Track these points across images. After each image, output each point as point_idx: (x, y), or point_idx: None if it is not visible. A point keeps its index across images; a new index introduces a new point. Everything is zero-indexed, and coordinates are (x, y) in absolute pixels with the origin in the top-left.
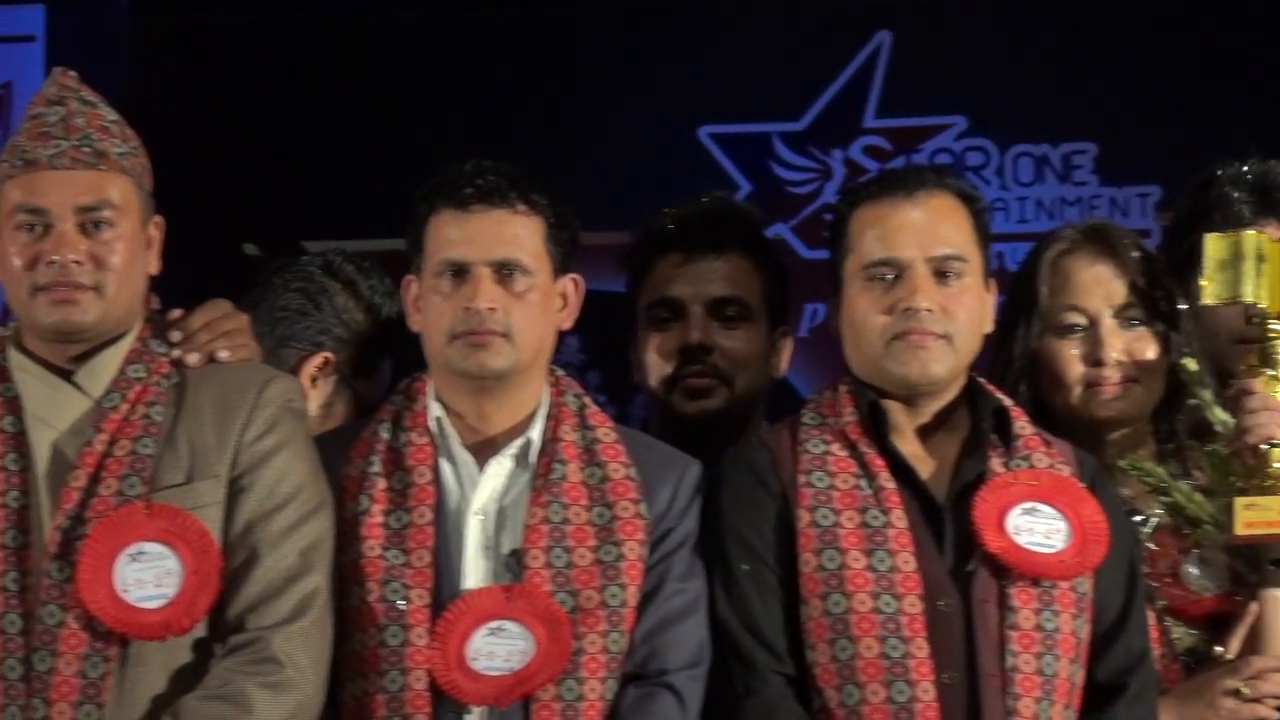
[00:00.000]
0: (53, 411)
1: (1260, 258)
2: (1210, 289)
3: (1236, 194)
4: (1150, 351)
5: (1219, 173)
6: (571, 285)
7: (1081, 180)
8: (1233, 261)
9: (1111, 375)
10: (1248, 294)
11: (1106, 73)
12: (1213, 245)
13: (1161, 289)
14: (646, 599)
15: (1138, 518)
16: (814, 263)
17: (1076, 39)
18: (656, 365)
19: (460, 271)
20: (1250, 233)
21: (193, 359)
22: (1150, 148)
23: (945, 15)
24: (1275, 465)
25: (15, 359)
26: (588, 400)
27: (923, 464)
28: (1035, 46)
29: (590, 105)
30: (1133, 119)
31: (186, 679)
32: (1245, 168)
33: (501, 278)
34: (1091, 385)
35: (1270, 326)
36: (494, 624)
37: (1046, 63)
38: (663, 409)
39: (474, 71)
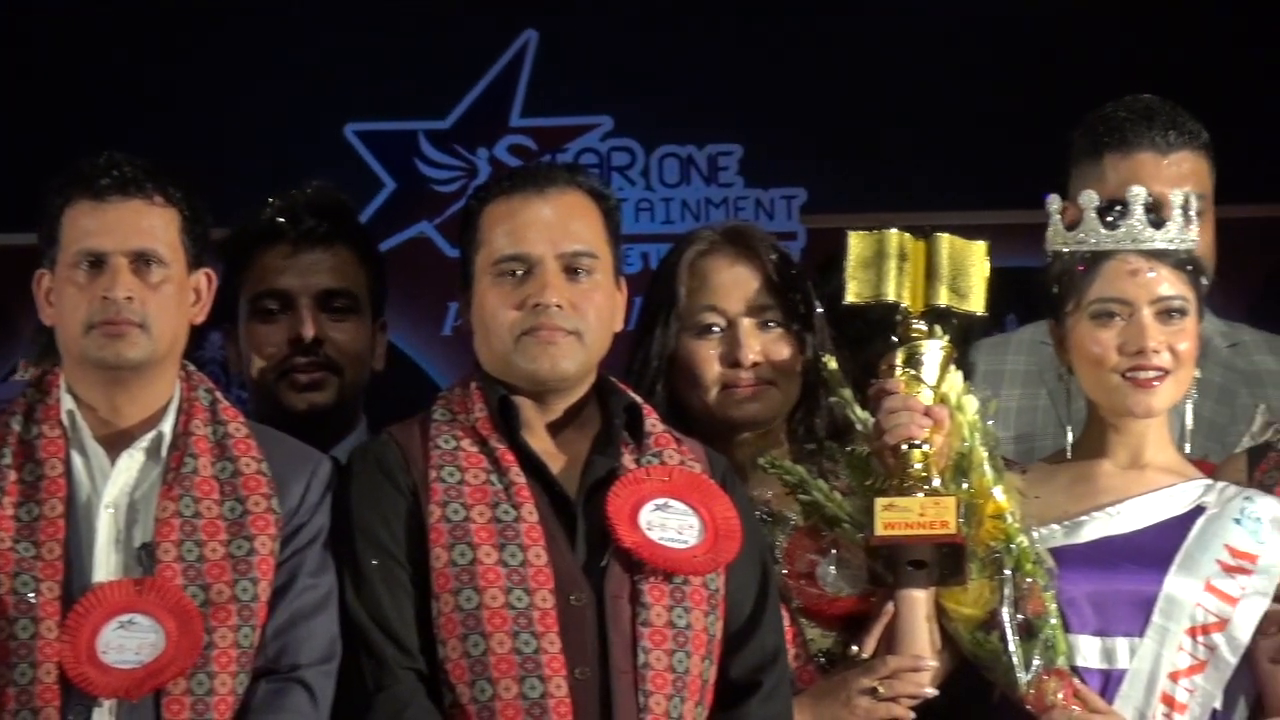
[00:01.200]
0: None
1: (903, 256)
2: (853, 287)
3: (1123, 114)
4: (787, 353)
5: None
6: (205, 280)
7: (727, 181)
8: (875, 260)
9: (748, 376)
10: (889, 293)
11: (752, 75)
12: (855, 243)
13: (799, 291)
14: (278, 594)
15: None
16: (458, 261)
17: (723, 42)
18: (262, 357)
19: (97, 262)
20: (893, 231)
21: None
22: (795, 150)
23: (591, 15)
24: (915, 466)
25: None
26: (219, 395)
27: (554, 460)
28: (682, 48)
29: (237, 101)
30: (778, 122)
31: None
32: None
33: (138, 268)
34: (728, 386)
35: (913, 326)
36: (124, 617)
37: (692, 64)
38: (269, 401)
39: (108, 65)
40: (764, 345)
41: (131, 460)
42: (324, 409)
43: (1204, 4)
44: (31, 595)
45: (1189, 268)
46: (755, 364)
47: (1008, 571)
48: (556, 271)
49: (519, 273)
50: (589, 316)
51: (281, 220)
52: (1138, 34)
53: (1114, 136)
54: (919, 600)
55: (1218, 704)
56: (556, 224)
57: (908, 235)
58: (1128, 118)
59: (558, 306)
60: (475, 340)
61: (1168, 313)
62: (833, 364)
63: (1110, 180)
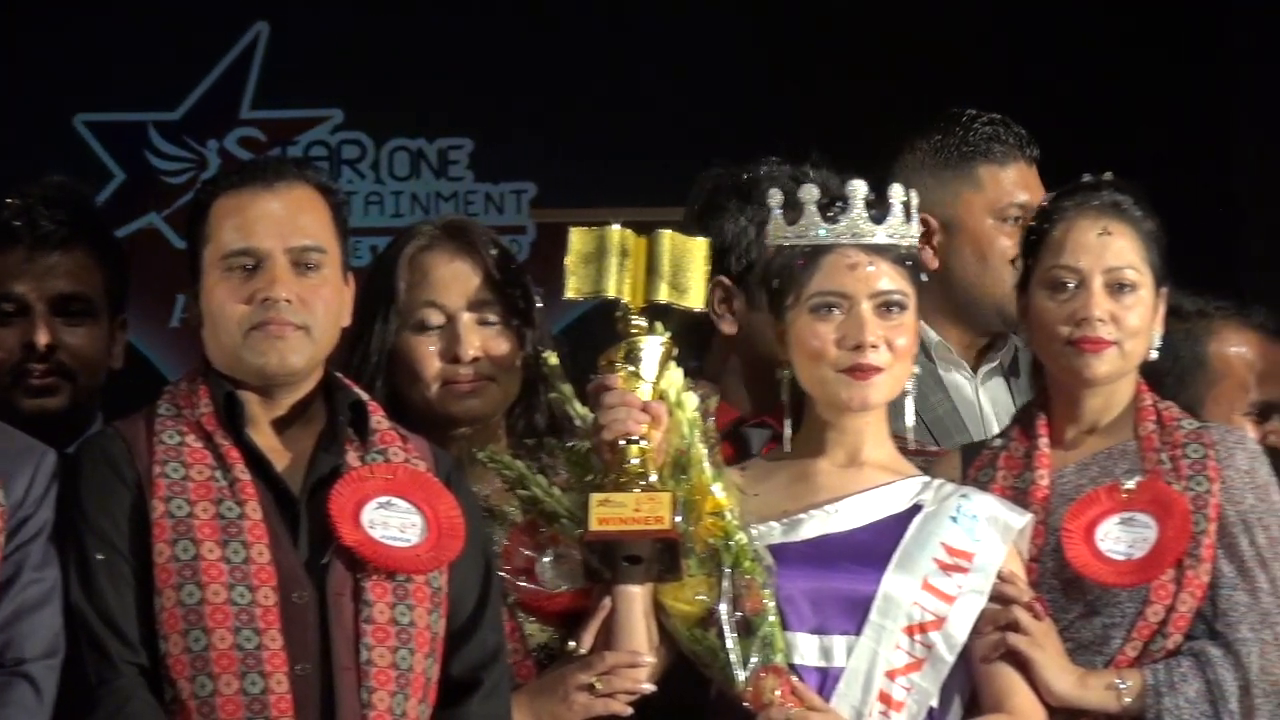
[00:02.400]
0: None
1: (624, 253)
2: (573, 283)
3: (986, 126)
4: (506, 348)
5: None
6: None
7: (457, 176)
8: (597, 256)
9: (468, 372)
10: (610, 289)
11: (482, 70)
12: (577, 239)
13: (519, 286)
14: (3, 589)
15: None
16: (187, 253)
17: (454, 36)
18: None
19: None
20: (614, 228)
21: None
22: (525, 145)
23: (322, 8)
24: (632, 462)
25: None
26: None
27: (279, 456)
28: (412, 42)
29: None
30: (507, 116)
31: None
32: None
33: None
34: (448, 382)
35: (632, 322)
36: None
37: (423, 58)
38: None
39: None
40: (483, 341)
41: None
42: (55, 413)
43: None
44: None
45: (909, 263)
46: (475, 359)
47: (726, 568)
48: (285, 266)
49: (248, 267)
50: (317, 311)
51: (17, 223)
52: (867, 36)
53: (986, 147)
54: (636, 596)
55: (934, 702)
56: (285, 219)
57: (629, 231)
58: (993, 131)
59: (286, 301)
60: (203, 334)
61: (886, 307)
62: (553, 359)
63: (989, 191)
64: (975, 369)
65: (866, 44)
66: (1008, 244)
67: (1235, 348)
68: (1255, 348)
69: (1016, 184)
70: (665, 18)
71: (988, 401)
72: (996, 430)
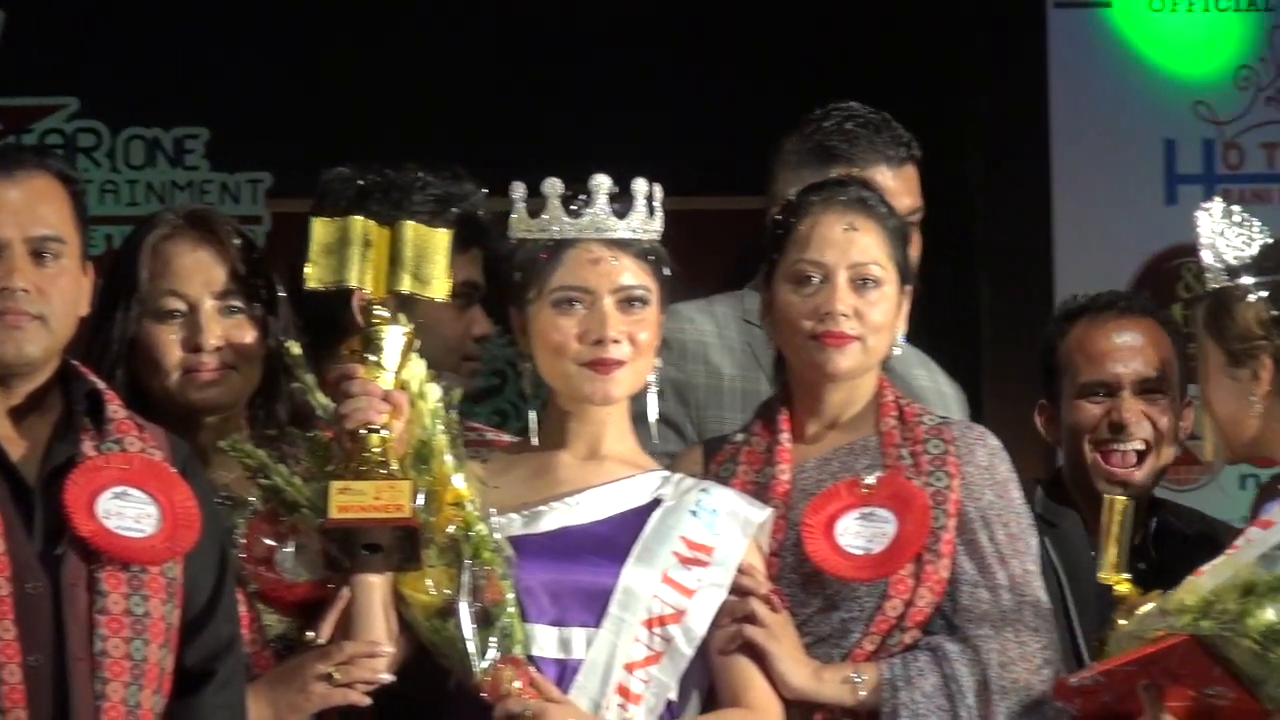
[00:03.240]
0: None
1: (367, 243)
2: (315, 272)
3: (852, 126)
4: (249, 338)
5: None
6: None
7: (193, 165)
8: (339, 246)
9: (210, 361)
10: (352, 279)
11: (219, 59)
12: (319, 229)
13: (262, 276)
14: None
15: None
16: None
17: (191, 25)
18: None
19: None
20: (357, 218)
21: None
22: (261, 134)
23: None
24: (372, 451)
25: None
26: None
27: (14, 445)
28: (149, 30)
29: None
30: (244, 106)
31: None
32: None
33: None
34: (190, 371)
35: (374, 313)
36: None
37: (160, 46)
38: None
39: None
40: (226, 330)
41: None
42: None
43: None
44: None
45: (651, 258)
46: (217, 348)
47: (466, 559)
48: (23, 255)
49: None
50: (54, 301)
51: None
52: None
53: (846, 148)
54: (375, 586)
55: (673, 695)
56: (24, 208)
57: (372, 222)
58: (858, 131)
59: (24, 291)
60: None
61: (629, 301)
62: (296, 349)
63: None
64: None
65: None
66: None
67: None
68: None
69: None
70: (402, 8)
71: None
72: None
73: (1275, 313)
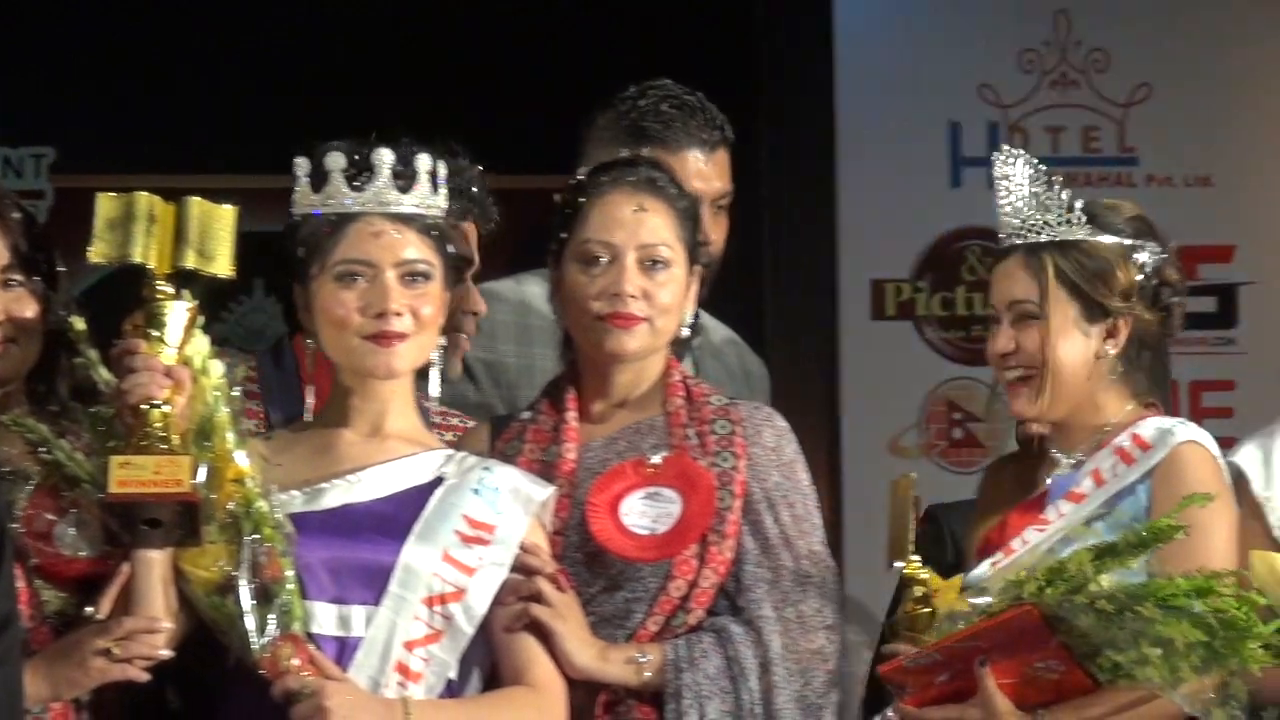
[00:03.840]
0: None
1: (151, 219)
2: (99, 248)
3: (666, 108)
4: (30, 312)
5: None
6: None
7: None
8: (124, 221)
9: None
10: (136, 255)
11: (2, 33)
12: (104, 204)
13: (43, 251)
14: None
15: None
16: None
17: None
18: None
19: None
20: (143, 194)
21: None
22: (44, 108)
23: None
24: (154, 426)
25: None
26: None
27: None
28: None
29: None
30: (27, 80)
31: None
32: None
33: None
34: None
35: (158, 288)
36: None
37: None
38: None
39: None
40: (6, 304)
41: None
42: None
43: None
44: None
45: (435, 233)
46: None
47: (246, 536)
48: None
49: None
50: None
51: None
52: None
53: (659, 129)
54: (155, 561)
55: (453, 674)
56: None
57: (157, 198)
58: (672, 113)
59: None
60: None
61: (411, 276)
62: (79, 324)
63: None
64: None
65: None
66: None
67: None
68: None
69: (680, 172)
70: None
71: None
72: None
73: (1145, 281)
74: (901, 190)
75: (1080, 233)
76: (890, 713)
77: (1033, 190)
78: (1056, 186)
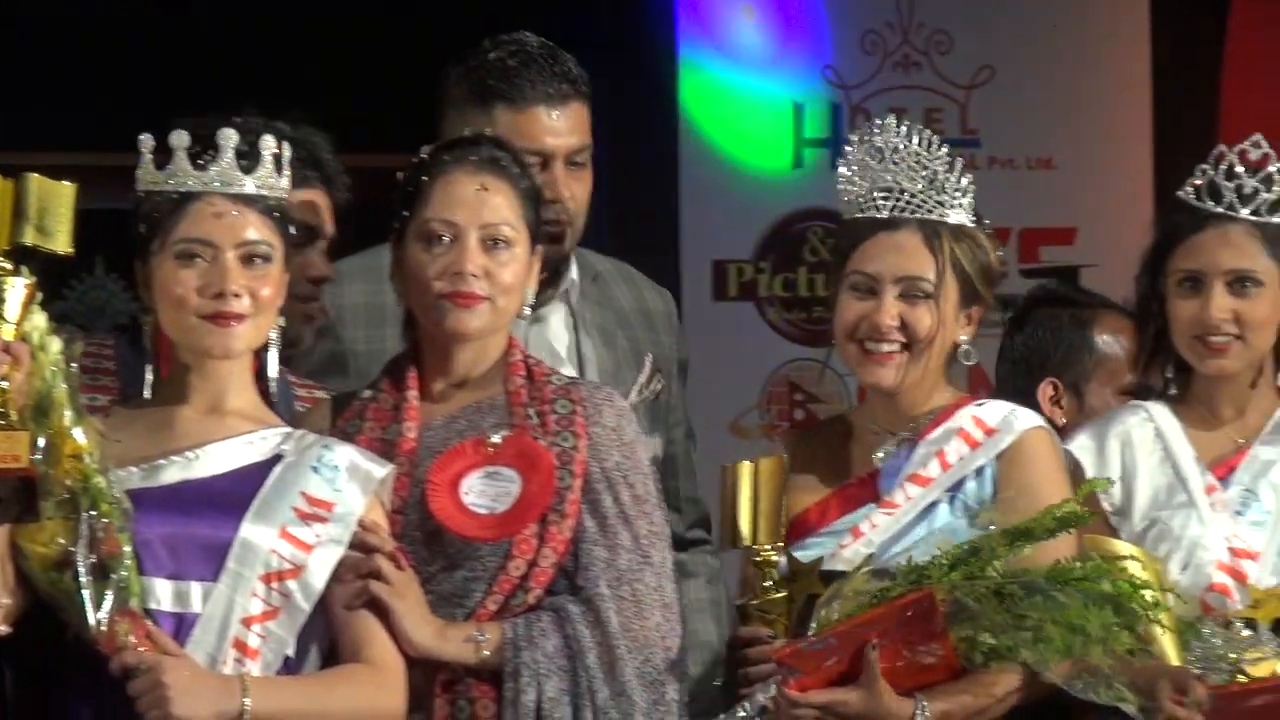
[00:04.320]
0: None
1: None
2: None
3: (512, 62)
4: None
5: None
6: None
7: None
8: None
9: None
10: None
11: None
12: None
13: None
14: None
15: None
16: None
17: None
18: None
19: None
20: None
21: None
22: None
23: None
24: None
25: None
26: None
27: None
28: None
29: None
30: None
31: None
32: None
33: None
34: None
35: None
36: None
37: None
38: None
39: None
40: None
41: None
42: None
43: None
44: None
45: (276, 215)
46: None
47: (84, 512)
48: None
49: None
50: None
51: None
52: None
53: (505, 87)
54: None
55: (290, 651)
56: None
57: None
58: (517, 68)
59: None
60: None
61: (251, 257)
62: None
63: (506, 132)
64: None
65: None
66: None
67: (1113, 335)
68: (1130, 336)
69: (529, 129)
70: None
71: (540, 342)
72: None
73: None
74: (744, 171)
75: (967, 218)
76: (761, 696)
77: (929, 166)
78: (957, 168)
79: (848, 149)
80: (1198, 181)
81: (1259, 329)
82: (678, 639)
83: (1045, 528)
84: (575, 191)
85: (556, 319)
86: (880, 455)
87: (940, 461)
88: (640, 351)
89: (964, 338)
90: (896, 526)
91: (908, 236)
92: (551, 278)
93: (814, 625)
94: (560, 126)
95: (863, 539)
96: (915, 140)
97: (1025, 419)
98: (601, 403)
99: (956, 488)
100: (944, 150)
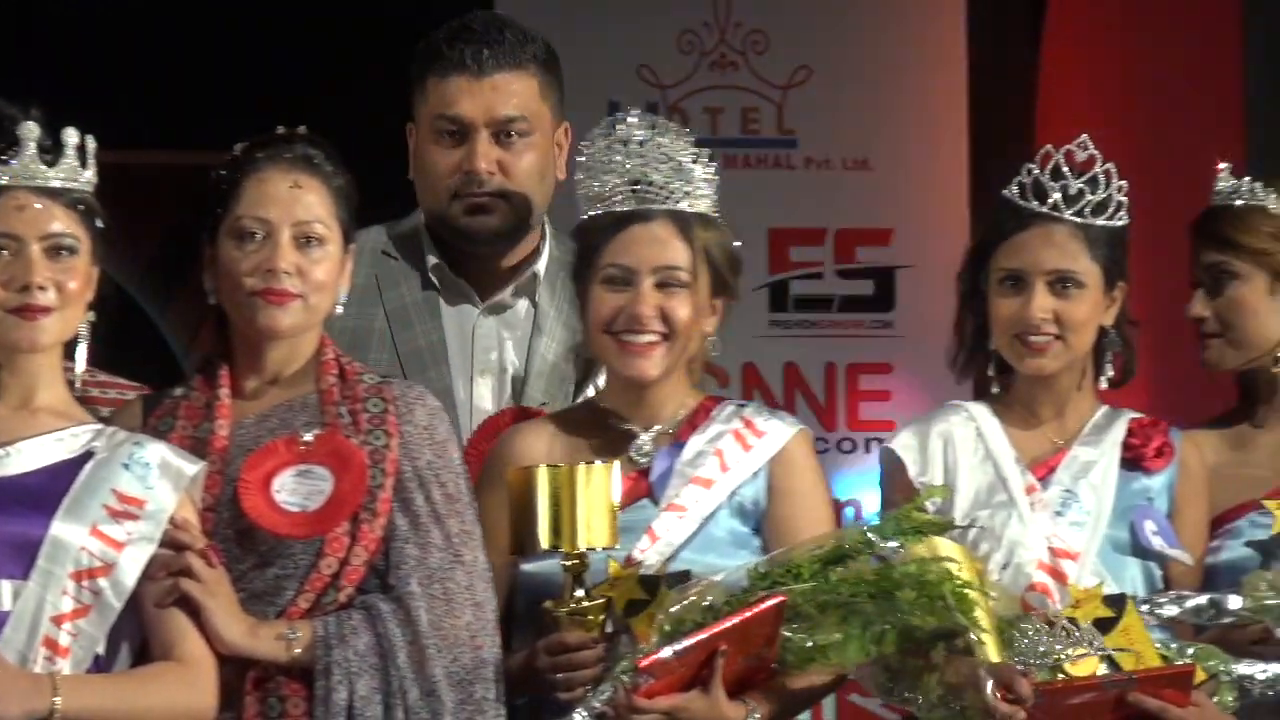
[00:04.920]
0: None
1: None
2: None
3: (442, 34)
4: None
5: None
6: None
7: None
8: None
9: None
10: None
11: None
12: None
13: None
14: None
15: None
16: None
17: None
18: None
19: None
20: None
21: None
22: None
23: None
24: None
25: None
26: None
27: None
28: None
29: None
30: None
31: None
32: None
33: None
34: None
35: None
36: None
37: None
38: None
39: None
40: None
41: None
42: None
43: None
44: None
45: (81, 207)
46: None
47: None
48: None
49: None
50: None
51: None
52: None
53: (432, 60)
54: None
55: (100, 649)
56: None
57: None
58: (444, 38)
59: None
60: None
61: (56, 250)
62: None
63: (431, 104)
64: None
65: None
66: (437, 159)
67: None
68: None
69: (450, 97)
70: None
71: (492, 332)
72: (492, 363)
73: None
74: None
75: (712, 209)
76: (597, 702)
77: (675, 158)
78: (703, 158)
79: (585, 145)
80: (1024, 180)
81: (1078, 330)
82: (489, 638)
83: (901, 529)
84: (509, 164)
85: (517, 312)
86: (645, 451)
87: (720, 463)
88: None
89: (710, 329)
90: (689, 529)
91: (661, 227)
92: (515, 268)
93: (662, 629)
94: (484, 96)
95: (660, 541)
96: (660, 132)
97: (793, 422)
98: (414, 402)
99: (734, 491)
100: (689, 141)
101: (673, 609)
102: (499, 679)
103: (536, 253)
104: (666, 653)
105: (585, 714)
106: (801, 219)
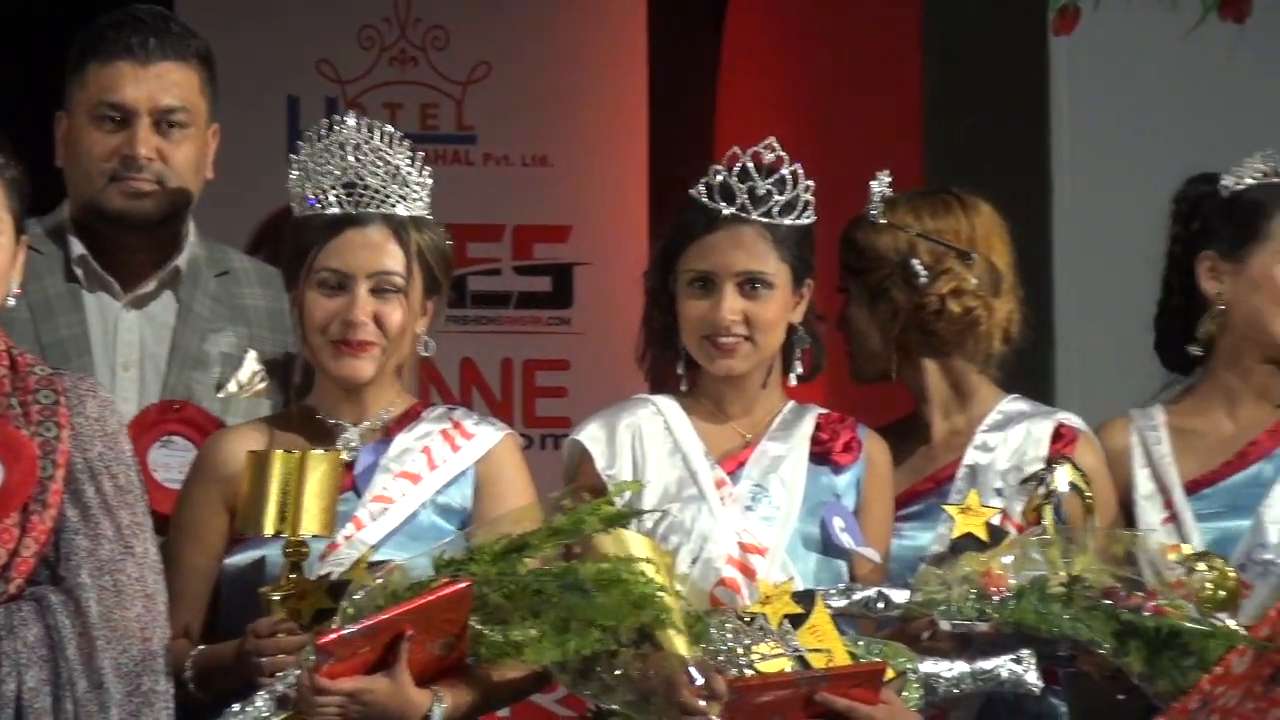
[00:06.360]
0: None
1: None
2: None
3: (105, 21)
4: None
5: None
6: None
7: None
8: None
9: None
10: None
11: None
12: None
13: None
14: None
15: None
16: None
17: None
18: None
19: None
20: None
21: None
22: None
23: None
24: None
25: None
26: None
27: None
28: None
29: None
30: None
31: None
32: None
33: None
34: None
35: None
36: None
37: None
38: None
39: None
40: None
41: None
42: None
43: None
44: None
45: None
46: None
47: None
48: None
49: None
50: None
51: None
52: None
53: (95, 45)
54: None
55: None
56: None
57: None
58: (109, 25)
59: None
60: None
61: None
62: None
63: (91, 90)
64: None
65: None
66: (95, 143)
67: None
68: None
69: (113, 83)
70: None
71: (135, 325)
72: (135, 356)
73: None
74: (237, 164)
75: (425, 211)
76: (281, 686)
77: (391, 161)
78: (418, 162)
79: (301, 145)
80: (711, 182)
81: (768, 330)
82: (159, 630)
83: (591, 526)
84: (169, 154)
85: (161, 306)
86: (352, 446)
87: (428, 460)
88: (245, 349)
89: (421, 329)
90: (393, 523)
91: (376, 231)
92: (157, 259)
93: (345, 612)
94: (147, 83)
95: (366, 529)
96: (376, 135)
97: (498, 427)
98: (85, 394)
99: (440, 489)
100: (405, 144)
101: (356, 595)
102: (168, 671)
103: (178, 247)
104: (346, 630)
105: (268, 696)
106: (480, 215)
